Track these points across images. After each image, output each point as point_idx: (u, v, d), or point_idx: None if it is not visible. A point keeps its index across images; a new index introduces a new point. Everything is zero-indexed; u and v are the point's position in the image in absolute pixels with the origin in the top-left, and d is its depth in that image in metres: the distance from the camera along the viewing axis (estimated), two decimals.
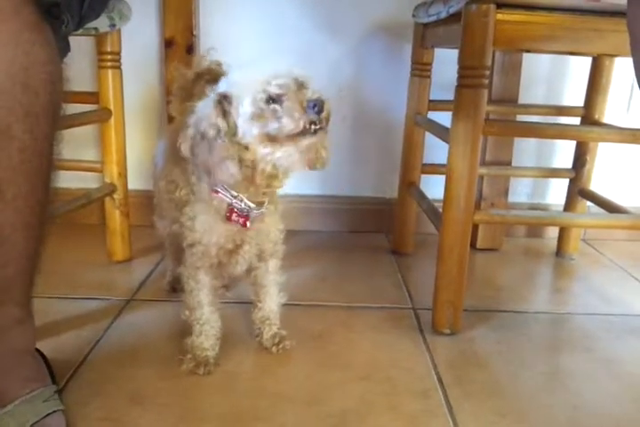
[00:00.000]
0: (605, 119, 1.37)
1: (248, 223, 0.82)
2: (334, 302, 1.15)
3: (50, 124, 0.67)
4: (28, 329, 0.72)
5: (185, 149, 0.75)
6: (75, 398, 0.79)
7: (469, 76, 0.92)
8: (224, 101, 0.75)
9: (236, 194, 0.80)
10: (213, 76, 0.94)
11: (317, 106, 0.72)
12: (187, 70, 0.96)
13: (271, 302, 0.95)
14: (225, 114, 0.74)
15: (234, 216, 0.81)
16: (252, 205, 0.82)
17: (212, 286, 0.88)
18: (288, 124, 0.71)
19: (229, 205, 0.81)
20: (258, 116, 0.72)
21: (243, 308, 1.04)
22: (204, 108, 0.75)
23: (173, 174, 0.89)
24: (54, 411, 0.69)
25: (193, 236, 0.83)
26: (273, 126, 0.72)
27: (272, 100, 0.72)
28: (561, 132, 1.02)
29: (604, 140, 1.12)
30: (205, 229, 0.82)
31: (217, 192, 0.80)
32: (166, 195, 0.92)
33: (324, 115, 0.73)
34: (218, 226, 0.82)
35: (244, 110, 0.73)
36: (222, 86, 0.77)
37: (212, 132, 0.73)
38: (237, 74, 0.78)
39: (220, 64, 0.95)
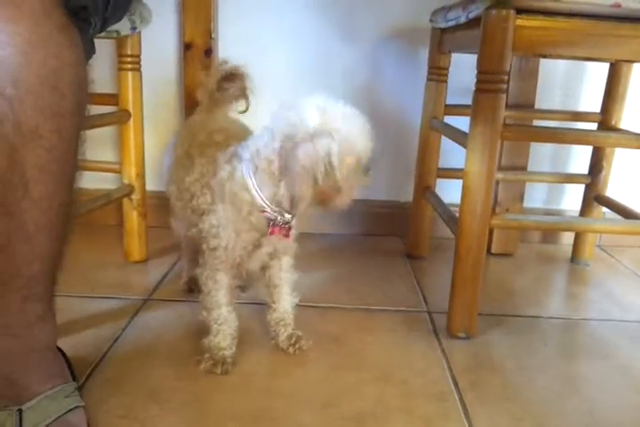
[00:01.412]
0: (622, 126, 1.37)
1: (291, 235, 0.87)
2: (349, 305, 1.16)
3: (76, 125, 0.68)
4: (50, 326, 0.73)
5: (309, 191, 0.76)
6: (94, 395, 0.80)
7: (488, 81, 0.92)
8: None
9: (277, 209, 0.83)
10: (230, 76, 0.96)
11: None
12: (209, 77, 0.98)
13: (285, 302, 0.96)
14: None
15: (275, 230, 0.84)
16: (289, 216, 0.84)
17: (229, 286, 0.89)
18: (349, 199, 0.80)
19: (271, 220, 0.83)
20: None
21: (258, 308, 1.05)
22: (317, 149, 0.74)
23: (186, 182, 0.89)
24: (76, 407, 0.69)
25: (218, 242, 0.84)
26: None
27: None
28: (579, 138, 1.02)
29: (621, 145, 1.11)
30: (232, 236, 0.84)
31: (264, 211, 0.83)
32: (179, 202, 0.93)
33: None
34: (244, 234, 0.84)
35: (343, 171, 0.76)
36: (317, 116, 0.76)
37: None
38: (333, 114, 0.77)
39: (238, 68, 0.97)
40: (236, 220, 0.83)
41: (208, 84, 0.98)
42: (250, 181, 0.81)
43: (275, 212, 0.83)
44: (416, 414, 0.81)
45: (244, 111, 1.02)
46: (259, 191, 0.81)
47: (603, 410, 0.85)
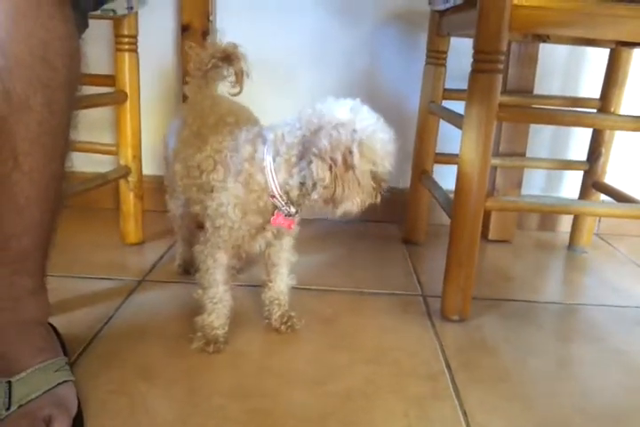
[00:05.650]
0: (621, 112, 1.36)
1: (293, 226, 0.88)
2: (344, 288, 1.16)
3: (67, 99, 0.68)
4: (41, 301, 0.73)
5: (325, 174, 0.75)
6: (85, 371, 0.80)
7: (484, 60, 0.91)
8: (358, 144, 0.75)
9: (285, 199, 0.83)
10: (227, 56, 0.95)
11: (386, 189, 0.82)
12: (201, 50, 0.97)
13: (281, 282, 0.96)
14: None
15: (279, 219, 0.85)
16: (294, 210, 0.85)
17: (228, 266, 0.89)
18: (365, 201, 0.80)
19: (277, 208, 0.84)
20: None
21: (253, 290, 1.05)
22: (340, 136, 0.75)
23: (196, 159, 0.88)
24: (65, 381, 0.69)
25: (224, 221, 0.84)
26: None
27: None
28: (576, 120, 1.01)
29: (619, 128, 1.11)
30: (238, 216, 0.83)
31: (273, 197, 0.83)
32: (186, 179, 0.92)
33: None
34: (250, 216, 0.84)
35: (361, 168, 0.76)
36: (344, 113, 0.77)
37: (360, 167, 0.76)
38: (363, 114, 0.78)
39: (236, 46, 0.96)
40: (246, 200, 0.83)
41: (203, 61, 0.97)
42: (268, 163, 0.81)
43: (282, 200, 0.83)
44: (407, 393, 0.81)
45: (238, 94, 1.01)
46: (273, 176, 0.81)
47: (595, 392, 0.85)
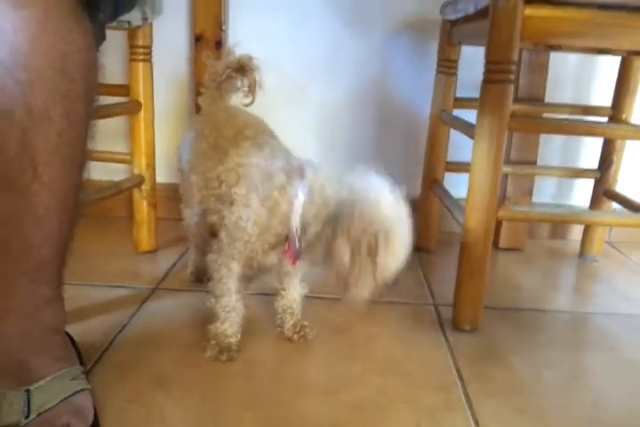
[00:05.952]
0: (633, 120, 1.36)
1: (296, 266, 0.89)
2: None
3: (85, 110, 0.69)
4: (58, 309, 0.74)
5: (344, 253, 0.75)
6: (100, 380, 0.81)
7: (496, 71, 0.91)
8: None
9: (299, 234, 0.83)
10: (242, 67, 0.96)
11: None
12: (217, 61, 0.98)
13: (294, 291, 0.97)
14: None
15: (290, 252, 0.85)
16: (301, 247, 0.84)
17: (241, 275, 0.89)
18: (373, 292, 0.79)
19: (288, 239, 0.84)
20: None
21: (265, 299, 1.06)
22: (373, 220, 0.74)
23: (217, 171, 0.88)
24: (82, 389, 0.70)
25: (241, 234, 0.85)
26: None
27: None
28: (587, 129, 1.01)
29: (631, 137, 1.11)
30: (257, 233, 0.84)
31: (289, 229, 0.83)
32: (205, 191, 0.92)
33: None
34: (268, 235, 0.84)
35: (381, 257, 0.76)
36: (372, 194, 0.77)
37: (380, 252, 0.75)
38: (399, 204, 0.77)
39: (250, 58, 0.97)
40: (266, 221, 0.83)
41: (217, 72, 0.98)
42: (299, 202, 0.81)
43: (297, 233, 0.83)
44: (419, 404, 0.81)
45: (250, 104, 1.02)
46: (298, 213, 0.81)
47: (607, 402, 0.85)
